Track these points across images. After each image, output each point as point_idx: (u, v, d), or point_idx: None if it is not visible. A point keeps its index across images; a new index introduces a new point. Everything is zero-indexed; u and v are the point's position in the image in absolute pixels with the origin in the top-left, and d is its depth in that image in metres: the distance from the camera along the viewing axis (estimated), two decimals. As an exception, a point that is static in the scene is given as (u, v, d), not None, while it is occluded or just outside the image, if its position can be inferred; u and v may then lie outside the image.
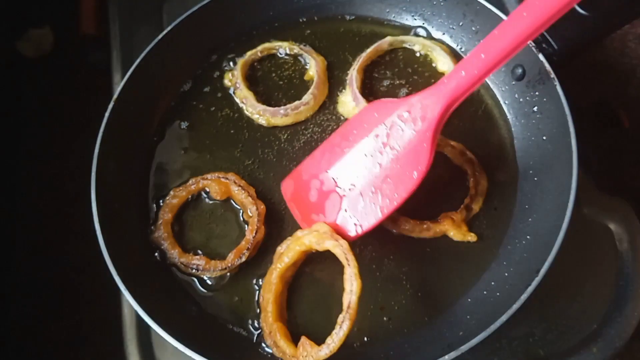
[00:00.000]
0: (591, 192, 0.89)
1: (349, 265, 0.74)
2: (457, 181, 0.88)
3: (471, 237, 0.83)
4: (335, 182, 0.81)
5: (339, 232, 0.79)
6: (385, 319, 0.79)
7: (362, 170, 0.79)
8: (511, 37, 0.69)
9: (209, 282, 0.83)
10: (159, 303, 0.77)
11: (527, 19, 0.68)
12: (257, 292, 0.82)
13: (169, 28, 0.93)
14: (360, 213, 0.78)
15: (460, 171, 0.88)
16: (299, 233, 0.80)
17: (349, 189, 0.80)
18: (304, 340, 0.73)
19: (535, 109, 0.88)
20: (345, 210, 0.79)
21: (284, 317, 0.79)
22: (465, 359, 0.78)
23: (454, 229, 0.82)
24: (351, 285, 0.73)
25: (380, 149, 0.78)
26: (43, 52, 1.23)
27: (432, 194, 0.87)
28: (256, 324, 0.80)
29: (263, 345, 0.78)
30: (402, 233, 0.83)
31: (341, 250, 0.75)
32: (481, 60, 0.71)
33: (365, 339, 0.78)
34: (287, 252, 0.79)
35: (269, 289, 0.78)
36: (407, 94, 0.95)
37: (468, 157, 0.87)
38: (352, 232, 0.79)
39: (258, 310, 0.80)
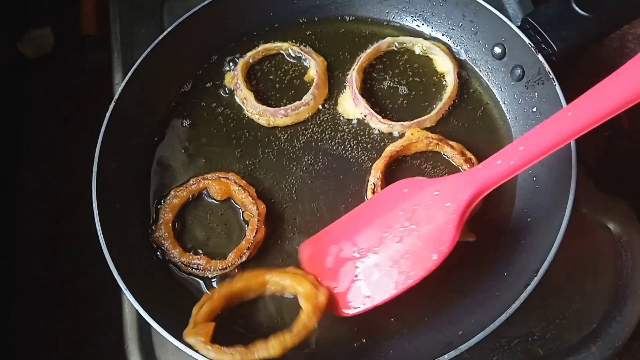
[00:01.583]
0: (590, 192, 0.89)
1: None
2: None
3: (471, 237, 0.83)
4: (354, 250, 0.78)
5: (344, 303, 0.76)
6: (384, 318, 0.79)
7: (383, 242, 0.77)
8: (552, 136, 0.69)
9: (209, 281, 0.83)
10: (159, 302, 0.77)
11: (570, 120, 0.68)
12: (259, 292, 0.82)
13: (169, 29, 0.94)
14: (374, 285, 0.75)
15: (460, 171, 0.89)
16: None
17: (367, 259, 0.77)
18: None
19: (534, 109, 0.88)
20: (359, 280, 0.77)
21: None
22: (464, 358, 0.78)
23: None
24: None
25: (404, 224, 0.76)
26: (44, 53, 1.23)
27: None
28: (257, 324, 0.80)
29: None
30: None
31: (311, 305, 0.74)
32: (519, 153, 0.71)
33: (365, 339, 0.79)
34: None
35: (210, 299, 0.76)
36: (407, 94, 0.96)
37: (467, 157, 0.88)
38: (362, 305, 0.76)
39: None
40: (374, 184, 0.85)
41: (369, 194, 0.86)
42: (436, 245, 0.73)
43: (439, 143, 0.88)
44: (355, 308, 0.76)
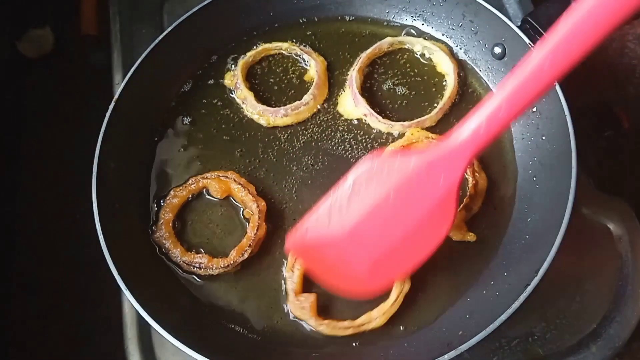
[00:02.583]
0: (590, 192, 0.89)
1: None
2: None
3: (470, 237, 0.83)
4: (358, 246, 0.75)
5: (362, 288, 0.76)
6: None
7: (386, 232, 0.74)
8: (533, 87, 0.64)
9: (211, 280, 0.83)
10: (160, 302, 0.77)
11: (550, 64, 0.63)
12: (260, 290, 0.82)
13: (169, 29, 0.94)
14: (382, 271, 0.75)
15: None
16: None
17: (370, 248, 0.75)
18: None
19: (534, 109, 0.88)
20: (367, 268, 0.75)
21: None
22: (464, 358, 0.78)
23: (453, 229, 0.83)
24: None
25: (402, 209, 0.73)
26: (43, 53, 1.23)
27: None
28: (257, 324, 0.80)
29: (266, 344, 0.78)
30: None
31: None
32: (500, 116, 0.66)
33: (365, 339, 0.79)
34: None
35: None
36: (407, 94, 0.96)
37: (468, 157, 0.87)
38: (360, 289, 0.76)
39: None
40: None
41: None
42: (439, 222, 0.72)
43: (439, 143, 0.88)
44: (374, 291, 0.77)
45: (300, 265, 0.80)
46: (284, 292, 0.81)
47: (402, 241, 0.73)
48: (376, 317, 0.77)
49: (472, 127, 0.69)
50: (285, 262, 0.83)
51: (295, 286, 0.80)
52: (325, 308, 0.80)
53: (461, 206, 0.84)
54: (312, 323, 0.78)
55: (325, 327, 0.77)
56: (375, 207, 0.73)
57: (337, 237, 0.75)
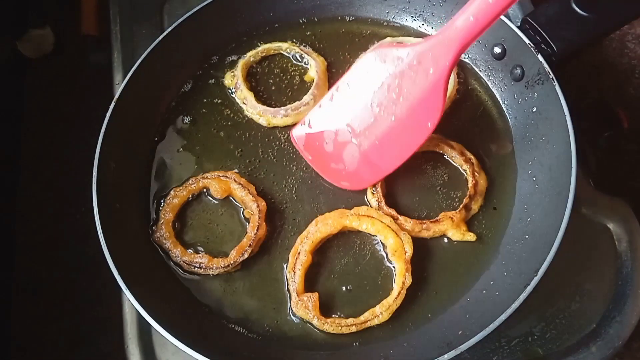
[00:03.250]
0: (590, 192, 0.89)
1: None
2: (457, 181, 0.88)
3: (470, 237, 0.83)
4: (351, 133, 0.83)
5: (359, 180, 0.83)
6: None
7: (377, 120, 0.81)
8: None
9: (211, 280, 0.83)
10: (160, 302, 0.77)
11: None
12: (260, 290, 0.82)
13: (169, 29, 0.94)
14: (378, 162, 0.82)
15: (460, 171, 0.89)
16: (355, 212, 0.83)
17: (365, 139, 0.82)
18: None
19: (534, 109, 0.88)
20: (364, 159, 0.82)
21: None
22: (464, 358, 0.78)
23: (453, 229, 0.83)
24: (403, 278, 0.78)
25: (393, 99, 0.79)
26: (44, 53, 1.23)
27: (432, 194, 0.88)
28: (258, 324, 0.80)
29: (266, 344, 0.78)
30: (405, 232, 0.83)
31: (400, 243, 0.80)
32: (489, 5, 0.69)
33: (365, 338, 0.79)
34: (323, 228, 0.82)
35: (299, 263, 0.81)
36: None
37: (467, 157, 0.88)
38: (371, 179, 0.84)
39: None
40: (375, 185, 0.85)
41: (369, 196, 0.86)
42: (428, 113, 0.77)
43: (439, 143, 0.88)
44: (367, 181, 0.85)
45: (302, 265, 0.80)
46: (286, 293, 0.81)
47: (393, 130, 0.80)
48: (380, 313, 0.77)
49: (461, 19, 0.72)
50: (286, 264, 0.82)
51: (298, 286, 0.80)
52: (327, 307, 0.80)
53: (461, 206, 0.84)
54: (315, 322, 0.78)
55: (329, 326, 0.77)
56: (372, 97, 0.81)
57: (336, 127, 0.83)
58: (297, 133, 0.89)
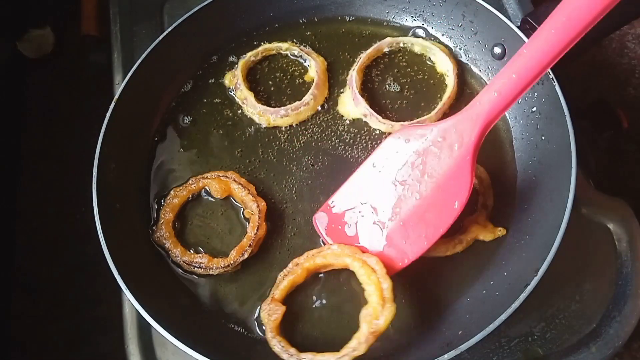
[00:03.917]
0: (590, 192, 0.89)
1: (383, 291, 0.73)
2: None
3: (501, 232, 0.83)
4: (374, 213, 0.79)
5: (384, 263, 0.76)
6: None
7: (402, 200, 0.77)
8: (540, 55, 0.68)
9: (211, 280, 0.83)
10: (160, 302, 0.77)
11: (555, 35, 0.67)
12: (260, 290, 0.82)
13: (169, 29, 0.94)
14: (405, 244, 0.77)
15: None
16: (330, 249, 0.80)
17: (390, 220, 0.78)
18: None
19: (534, 109, 0.88)
20: (388, 242, 0.77)
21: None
22: (464, 358, 0.78)
23: (483, 231, 0.82)
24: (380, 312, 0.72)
25: (417, 177, 0.76)
26: (44, 53, 1.23)
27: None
28: (258, 324, 0.80)
29: (266, 345, 0.78)
30: (438, 255, 0.82)
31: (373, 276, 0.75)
32: (513, 81, 0.70)
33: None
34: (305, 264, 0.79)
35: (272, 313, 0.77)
36: (407, 94, 0.96)
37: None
38: (398, 263, 0.77)
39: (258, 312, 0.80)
40: None
41: None
42: (456, 192, 0.73)
43: None
44: (392, 268, 0.77)
45: (293, 277, 0.79)
46: (268, 292, 0.81)
47: (418, 210, 0.75)
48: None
49: (486, 95, 0.72)
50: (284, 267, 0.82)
51: (279, 293, 0.78)
52: (290, 326, 0.79)
53: (479, 207, 0.84)
54: (267, 333, 0.76)
55: (274, 344, 0.74)
56: (395, 176, 0.77)
57: (359, 204, 0.78)
58: (319, 217, 0.84)
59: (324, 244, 0.83)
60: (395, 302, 0.73)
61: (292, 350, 0.74)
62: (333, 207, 0.83)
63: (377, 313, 0.73)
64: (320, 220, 0.84)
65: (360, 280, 0.77)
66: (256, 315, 0.81)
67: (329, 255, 0.79)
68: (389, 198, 0.78)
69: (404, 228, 0.77)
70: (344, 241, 0.80)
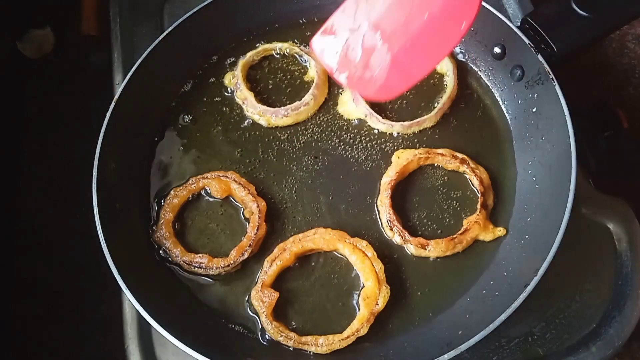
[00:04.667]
0: (590, 192, 0.89)
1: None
2: (459, 183, 0.88)
3: (501, 232, 0.83)
4: (380, 35, 0.75)
5: (388, 88, 0.75)
6: (384, 318, 0.79)
7: (409, 22, 0.74)
8: None
9: (211, 280, 0.83)
10: (160, 302, 0.77)
11: None
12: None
13: (169, 29, 0.94)
14: (409, 66, 0.75)
15: (459, 174, 0.88)
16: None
17: (396, 42, 0.75)
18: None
19: (534, 109, 0.88)
20: (394, 64, 0.75)
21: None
22: (464, 358, 0.78)
23: (483, 232, 0.82)
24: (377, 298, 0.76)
25: None
26: (44, 53, 1.23)
27: (439, 203, 0.87)
28: (257, 324, 0.80)
29: (266, 345, 0.78)
30: (438, 257, 0.82)
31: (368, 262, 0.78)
32: None
33: (365, 338, 0.79)
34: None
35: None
36: (407, 94, 0.96)
37: (460, 158, 0.87)
38: (401, 86, 0.77)
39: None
40: (389, 221, 0.83)
41: (389, 233, 0.84)
42: (463, 10, 0.72)
43: (429, 156, 0.87)
44: (396, 89, 0.76)
45: (281, 261, 0.80)
46: (255, 281, 0.81)
47: (426, 29, 0.73)
48: (321, 344, 0.75)
49: None
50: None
51: (267, 278, 0.80)
52: (283, 312, 0.80)
53: (479, 206, 0.84)
54: (262, 319, 0.78)
55: (272, 328, 0.77)
56: None
57: (363, 30, 0.75)
58: (317, 42, 0.78)
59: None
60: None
61: (292, 334, 0.76)
62: (334, 31, 0.77)
63: (375, 296, 0.76)
64: (319, 45, 0.78)
65: (354, 266, 0.80)
66: (247, 306, 0.81)
67: (317, 240, 0.81)
68: (394, 19, 0.75)
69: (411, 48, 0.74)
70: (346, 66, 0.77)
